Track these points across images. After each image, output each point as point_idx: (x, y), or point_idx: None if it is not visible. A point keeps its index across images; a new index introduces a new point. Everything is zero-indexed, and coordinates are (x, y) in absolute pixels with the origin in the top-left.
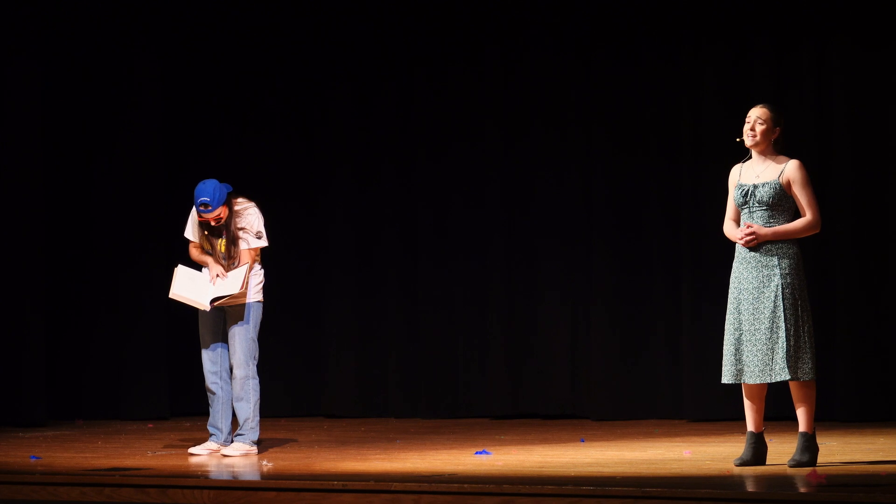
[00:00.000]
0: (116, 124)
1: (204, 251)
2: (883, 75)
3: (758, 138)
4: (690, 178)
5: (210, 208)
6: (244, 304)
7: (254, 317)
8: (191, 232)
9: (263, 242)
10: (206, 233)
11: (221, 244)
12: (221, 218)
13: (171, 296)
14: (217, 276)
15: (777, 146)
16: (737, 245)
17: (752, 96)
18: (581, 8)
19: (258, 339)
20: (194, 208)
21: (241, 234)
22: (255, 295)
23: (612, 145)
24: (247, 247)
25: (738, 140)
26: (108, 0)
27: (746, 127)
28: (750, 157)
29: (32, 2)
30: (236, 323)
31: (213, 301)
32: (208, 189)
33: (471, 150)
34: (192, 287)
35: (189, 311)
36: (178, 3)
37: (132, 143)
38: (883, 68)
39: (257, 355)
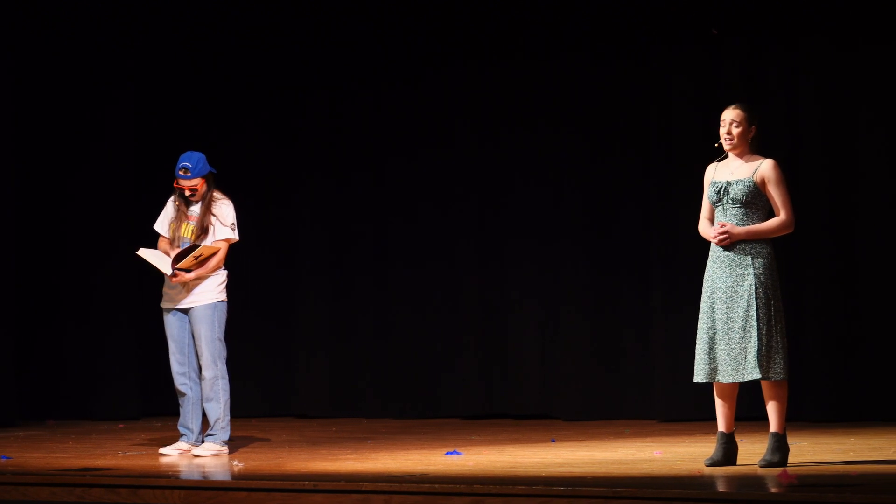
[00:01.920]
0: (88, 127)
1: (171, 244)
2: (853, 76)
3: (735, 141)
4: (661, 178)
5: (189, 174)
6: (207, 305)
7: (218, 317)
8: (161, 225)
9: (236, 236)
10: (178, 204)
11: (191, 230)
12: (196, 190)
13: (138, 252)
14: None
15: (753, 145)
16: (711, 244)
17: (721, 97)
18: (551, 10)
19: (225, 339)
20: (169, 202)
21: (213, 219)
22: (217, 294)
23: (583, 146)
24: (214, 238)
25: (716, 145)
26: (82, 0)
27: (722, 130)
28: (726, 157)
29: (4, 1)
30: (201, 324)
31: (174, 262)
32: (193, 157)
33: (443, 151)
34: (158, 257)
35: (158, 313)
36: (153, 4)
37: (104, 145)
38: (853, 69)
39: (225, 354)
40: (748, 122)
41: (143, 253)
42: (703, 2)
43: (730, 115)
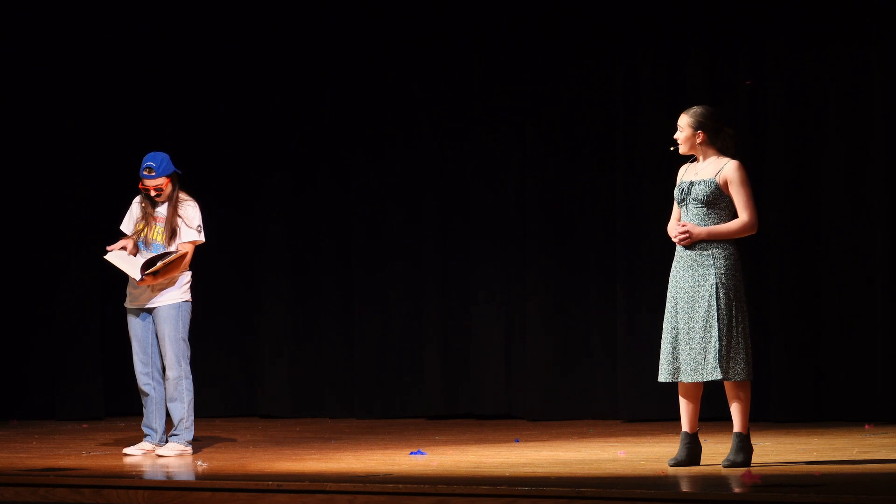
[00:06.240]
0: (51, 133)
1: (139, 249)
2: (818, 78)
3: (681, 145)
4: (625, 180)
5: (154, 174)
6: (172, 305)
7: (182, 317)
8: (126, 226)
9: (202, 238)
10: (144, 206)
11: (159, 231)
12: (162, 190)
13: (106, 256)
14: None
15: (717, 146)
16: (677, 244)
17: (687, 99)
18: (517, 11)
19: (189, 339)
20: (134, 202)
21: (179, 221)
22: (182, 295)
23: (547, 148)
24: (181, 240)
25: (671, 149)
26: (43, 6)
27: (676, 133)
28: (696, 158)
29: None
30: (165, 324)
31: (143, 268)
32: (157, 157)
33: (406, 153)
34: (127, 261)
35: (123, 314)
36: (111, 9)
37: (67, 150)
38: (817, 70)
39: (189, 355)
40: (692, 127)
41: (111, 257)
42: (669, 3)
43: (679, 121)
